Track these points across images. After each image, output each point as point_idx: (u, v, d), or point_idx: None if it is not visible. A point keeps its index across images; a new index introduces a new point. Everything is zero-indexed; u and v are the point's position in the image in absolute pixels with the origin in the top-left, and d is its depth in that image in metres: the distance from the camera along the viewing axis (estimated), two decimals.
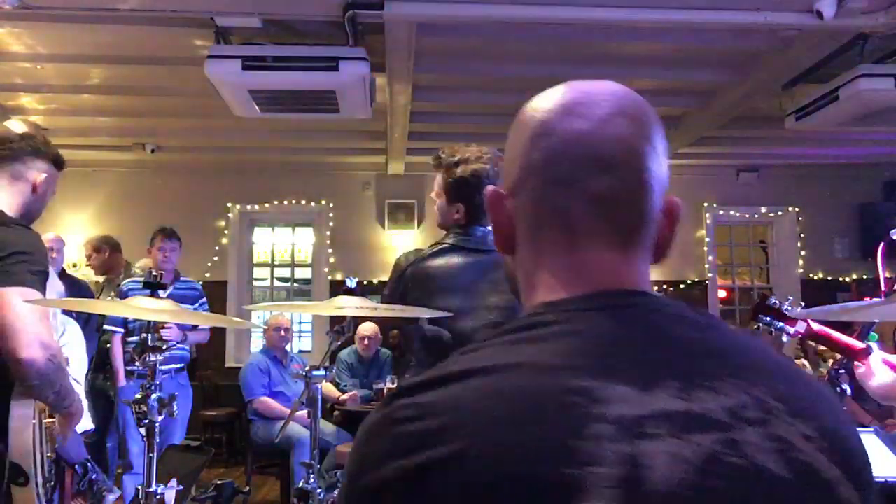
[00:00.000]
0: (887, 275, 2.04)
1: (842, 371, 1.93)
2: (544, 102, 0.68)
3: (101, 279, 4.89)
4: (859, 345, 1.83)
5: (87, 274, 5.11)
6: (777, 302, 2.01)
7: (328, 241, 7.14)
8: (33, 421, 1.74)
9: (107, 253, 4.78)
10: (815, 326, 1.94)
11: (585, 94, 0.67)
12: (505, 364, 0.55)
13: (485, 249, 1.96)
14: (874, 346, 1.82)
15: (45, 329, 1.70)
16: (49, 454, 1.85)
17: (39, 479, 1.75)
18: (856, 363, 1.83)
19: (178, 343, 3.81)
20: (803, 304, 2.06)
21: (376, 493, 0.53)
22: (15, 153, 1.92)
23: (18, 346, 1.63)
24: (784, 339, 1.95)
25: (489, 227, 1.91)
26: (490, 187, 0.72)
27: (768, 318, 2.00)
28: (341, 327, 1.89)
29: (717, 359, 0.58)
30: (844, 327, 2.03)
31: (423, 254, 2.04)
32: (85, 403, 3.24)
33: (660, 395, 0.53)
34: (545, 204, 0.66)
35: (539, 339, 0.58)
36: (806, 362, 5.44)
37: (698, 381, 0.55)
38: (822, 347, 5.41)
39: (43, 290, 1.75)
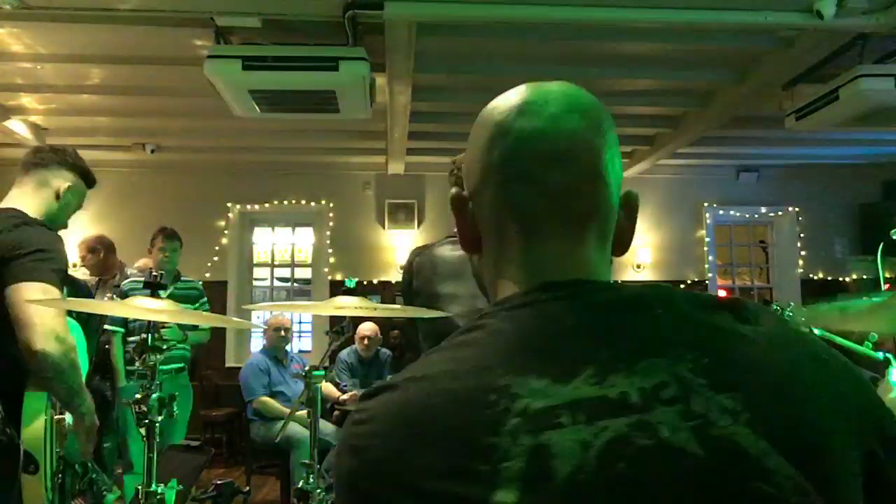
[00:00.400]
0: (887, 275, 2.04)
1: None
2: (500, 105, 0.71)
3: (93, 280, 4.81)
4: (878, 356, 1.82)
5: (84, 273, 5.11)
6: (779, 309, 2.01)
7: (328, 241, 7.14)
8: (44, 416, 1.77)
9: (101, 254, 4.72)
10: (818, 332, 1.93)
11: (538, 94, 0.69)
12: (438, 371, 0.58)
13: None
14: (891, 358, 1.80)
15: (62, 324, 1.76)
16: (58, 450, 1.86)
17: (48, 471, 1.76)
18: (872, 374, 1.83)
19: (178, 343, 3.81)
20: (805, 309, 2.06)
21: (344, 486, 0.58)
22: (44, 162, 2.03)
23: (35, 338, 1.69)
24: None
25: None
26: (453, 190, 0.74)
27: None
28: (341, 327, 1.90)
29: (641, 340, 0.58)
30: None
31: (430, 245, 2.12)
32: None
33: (573, 384, 0.54)
34: (504, 202, 0.68)
35: (472, 342, 0.60)
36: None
37: (615, 365, 0.55)
38: None
39: (61, 288, 1.82)
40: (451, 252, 2.07)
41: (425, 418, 0.55)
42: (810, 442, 0.54)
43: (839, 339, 1.93)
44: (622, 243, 0.71)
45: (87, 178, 2.12)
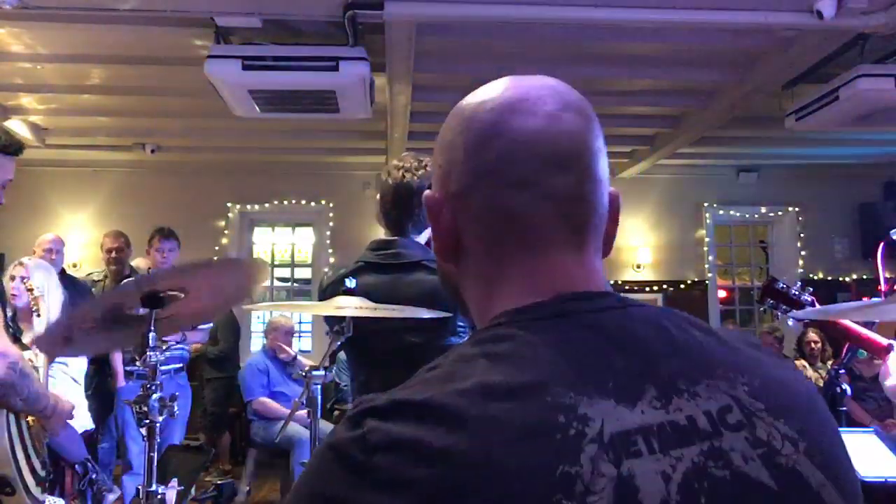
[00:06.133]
0: (887, 275, 2.04)
1: (842, 371, 1.92)
2: (485, 101, 0.65)
3: (103, 278, 4.75)
4: (883, 341, 1.82)
5: (84, 272, 5.10)
6: (785, 286, 2.01)
7: (328, 241, 7.14)
8: (5, 433, 1.73)
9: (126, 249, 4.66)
10: (812, 315, 1.92)
11: (526, 90, 0.64)
12: (478, 388, 0.51)
13: None
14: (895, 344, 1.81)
15: (1, 339, 1.68)
16: (38, 455, 1.84)
17: (30, 481, 1.74)
18: (879, 361, 1.83)
19: (177, 343, 3.81)
20: (811, 288, 2.05)
21: None
22: None
23: None
24: (790, 322, 1.96)
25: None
26: (428, 193, 0.68)
27: (774, 301, 1.99)
28: (341, 327, 1.89)
29: (690, 358, 0.56)
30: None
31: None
32: (84, 403, 3.25)
33: (640, 407, 0.51)
34: (501, 209, 0.62)
35: (510, 354, 0.54)
36: (805, 363, 5.44)
37: (676, 386, 0.53)
38: (818, 345, 5.43)
39: None
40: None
41: (497, 444, 0.48)
42: (845, 472, 0.55)
43: (849, 322, 1.92)
44: (608, 245, 0.68)
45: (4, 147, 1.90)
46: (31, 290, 2.76)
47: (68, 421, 2.28)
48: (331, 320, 1.80)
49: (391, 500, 0.47)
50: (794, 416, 0.55)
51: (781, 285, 2.02)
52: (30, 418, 1.85)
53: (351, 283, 1.83)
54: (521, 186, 0.61)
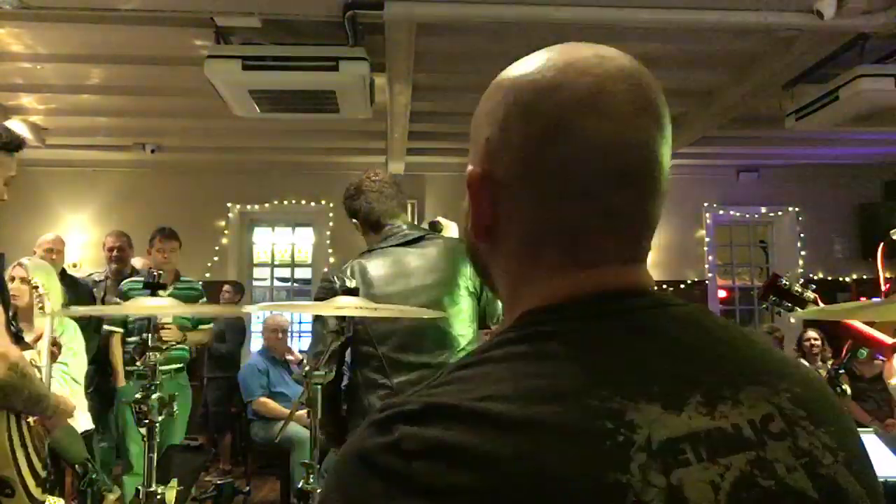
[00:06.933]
0: (887, 275, 2.04)
1: (842, 371, 1.93)
2: (551, 86, 0.58)
3: (104, 278, 4.75)
4: (888, 340, 1.82)
5: (84, 272, 5.10)
6: (787, 283, 2.01)
7: (328, 241, 7.14)
8: (5, 433, 1.73)
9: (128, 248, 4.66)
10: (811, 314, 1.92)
11: (601, 80, 0.57)
12: (520, 389, 0.49)
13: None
14: None
15: (2, 339, 1.68)
16: (39, 456, 1.85)
17: (30, 483, 1.74)
18: (882, 359, 1.83)
19: (177, 343, 3.81)
20: (814, 286, 2.05)
21: None
22: None
23: None
24: (791, 320, 1.96)
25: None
26: (475, 169, 0.62)
27: (777, 299, 1.99)
28: (340, 328, 1.89)
29: (732, 363, 0.55)
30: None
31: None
32: (85, 403, 3.25)
33: (686, 413, 0.50)
34: (550, 215, 0.58)
35: (547, 354, 0.52)
36: (805, 362, 5.44)
37: (720, 392, 0.52)
38: (817, 342, 5.42)
39: None
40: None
41: (539, 453, 0.46)
42: (874, 480, 0.55)
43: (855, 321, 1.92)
44: None
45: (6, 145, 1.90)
46: (35, 287, 2.76)
47: (68, 420, 2.28)
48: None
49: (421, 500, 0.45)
50: (832, 424, 0.54)
51: (784, 282, 2.01)
52: (31, 419, 1.85)
53: (351, 283, 1.83)
54: (579, 198, 0.57)
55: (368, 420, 0.51)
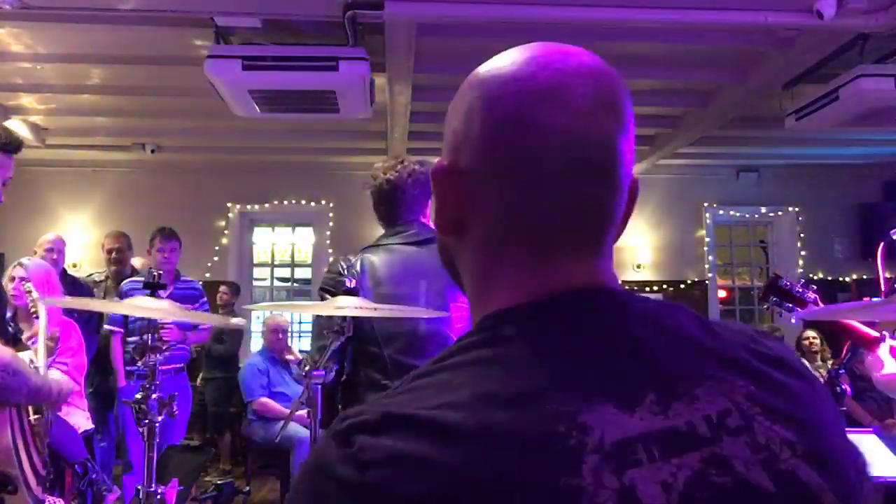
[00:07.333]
0: (887, 275, 2.04)
1: (842, 371, 1.92)
2: (514, 81, 0.59)
3: (104, 278, 4.75)
4: (874, 333, 1.81)
5: (84, 272, 5.09)
6: (788, 283, 2.01)
7: (328, 241, 7.14)
8: (8, 431, 1.74)
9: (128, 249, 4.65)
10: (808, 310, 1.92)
11: (561, 74, 0.58)
12: (476, 396, 0.49)
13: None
14: (887, 335, 1.80)
15: None
16: (40, 453, 1.85)
17: (32, 480, 1.75)
18: (865, 352, 1.82)
19: (178, 343, 3.81)
20: (815, 286, 2.05)
21: None
22: None
23: None
24: (793, 321, 1.96)
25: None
26: (442, 162, 0.62)
27: (778, 299, 1.99)
28: (341, 327, 1.89)
29: (689, 359, 0.55)
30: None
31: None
32: (85, 403, 3.24)
33: (639, 413, 0.50)
34: (514, 208, 0.58)
35: (500, 359, 0.52)
36: (805, 362, 5.44)
37: (676, 389, 0.52)
38: (816, 341, 5.43)
39: None
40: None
41: (488, 460, 0.46)
42: (845, 479, 0.54)
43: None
44: (620, 231, 0.64)
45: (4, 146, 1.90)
46: (29, 292, 2.77)
47: (68, 421, 2.28)
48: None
49: None
50: (792, 417, 0.54)
51: (785, 282, 2.01)
52: (32, 417, 1.86)
53: (351, 283, 1.83)
54: (540, 188, 0.57)
55: (330, 430, 0.51)
